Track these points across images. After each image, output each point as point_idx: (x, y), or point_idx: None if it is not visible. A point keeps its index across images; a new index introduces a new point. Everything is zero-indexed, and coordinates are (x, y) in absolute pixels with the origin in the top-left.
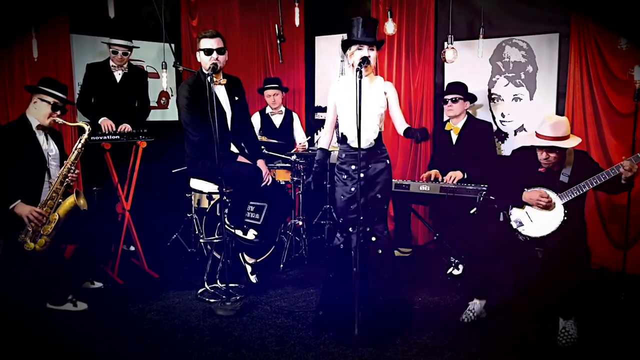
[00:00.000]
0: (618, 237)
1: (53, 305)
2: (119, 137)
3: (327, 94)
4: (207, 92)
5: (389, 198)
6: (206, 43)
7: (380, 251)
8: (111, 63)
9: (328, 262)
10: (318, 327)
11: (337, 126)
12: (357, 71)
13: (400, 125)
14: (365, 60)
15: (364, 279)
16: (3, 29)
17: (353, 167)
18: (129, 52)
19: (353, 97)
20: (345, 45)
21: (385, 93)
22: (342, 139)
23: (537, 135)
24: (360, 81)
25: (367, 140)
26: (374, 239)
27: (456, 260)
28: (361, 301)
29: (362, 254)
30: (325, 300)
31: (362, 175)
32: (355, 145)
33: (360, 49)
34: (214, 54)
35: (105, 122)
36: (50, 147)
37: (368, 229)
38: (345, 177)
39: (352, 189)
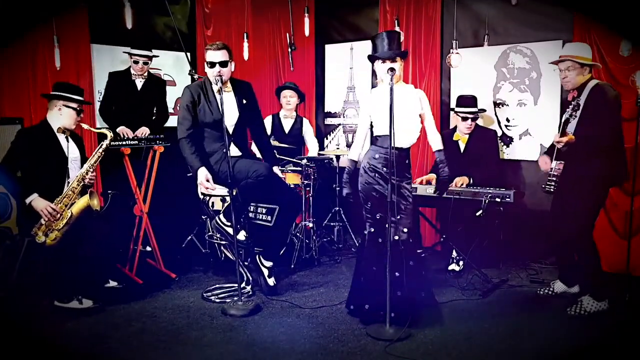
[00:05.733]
0: (622, 238)
1: (60, 303)
2: (137, 142)
3: (361, 107)
4: (205, 97)
5: (412, 202)
6: (210, 56)
7: (402, 247)
8: (132, 72)
9: (359, 249)
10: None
11: (345, 131)
12: (390, 78)
13: (433, 142)
14: (391, 70)
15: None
16: (26, 38)
17: (385, 169)
18: (149, 62)
19: (386, 103)
20: (371, 59)
21: (420, 100)
22: (374, 140)
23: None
24: (391, 88)
25: (404, 141)
26: (396, 237)
27: (457, 257)
28: (381, 296)
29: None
30: (354, 289)
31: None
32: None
33: (384, 63)
34: (217, 67)
35: (123, 130)
36: (71, 150)
37: (397, 237)
38: (375, 175)
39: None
